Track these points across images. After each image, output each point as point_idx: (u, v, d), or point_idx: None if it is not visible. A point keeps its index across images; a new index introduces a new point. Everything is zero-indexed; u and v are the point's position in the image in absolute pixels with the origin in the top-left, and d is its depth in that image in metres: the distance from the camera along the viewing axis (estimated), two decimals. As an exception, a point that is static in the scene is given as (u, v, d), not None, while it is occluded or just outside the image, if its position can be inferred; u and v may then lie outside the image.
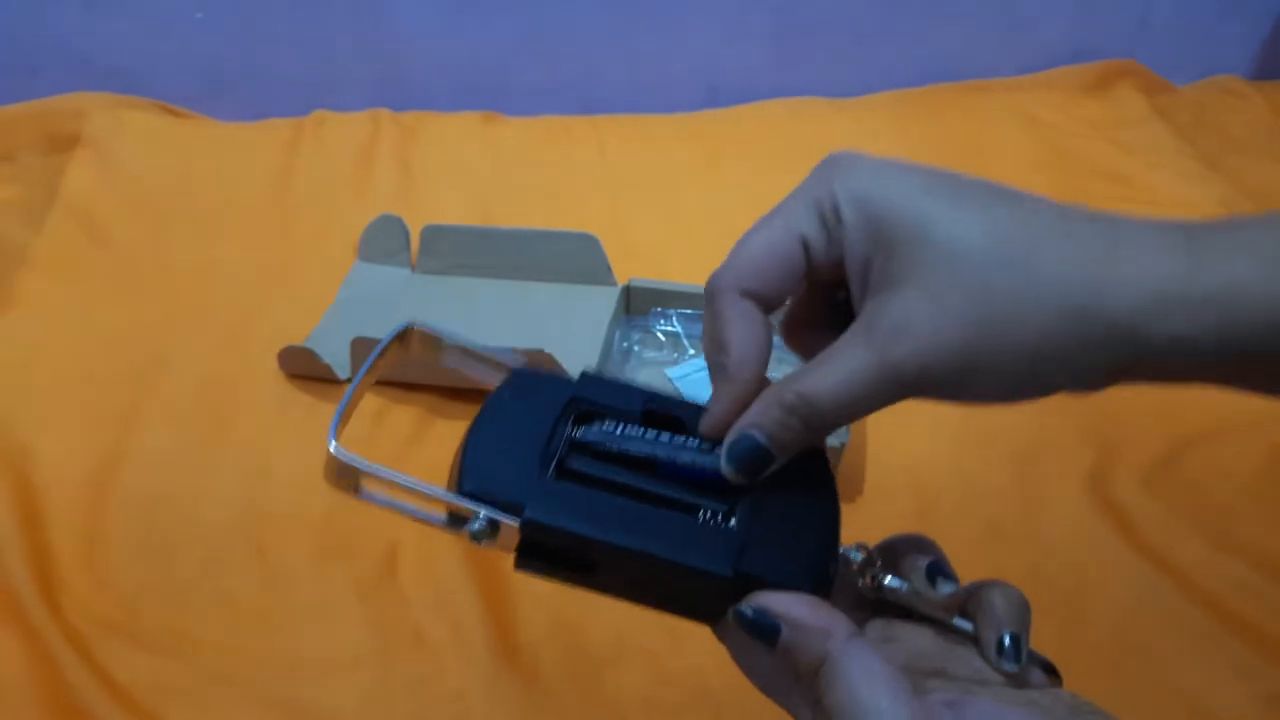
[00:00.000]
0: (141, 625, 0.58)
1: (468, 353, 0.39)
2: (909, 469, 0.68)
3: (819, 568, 0.33)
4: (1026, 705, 0.29)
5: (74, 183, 0.93)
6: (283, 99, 1.07)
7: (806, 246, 0.33)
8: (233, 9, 1.04)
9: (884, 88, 1.13)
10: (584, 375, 0.37)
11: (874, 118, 1.07)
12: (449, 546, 0.62)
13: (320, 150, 0.99)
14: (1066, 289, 0.28)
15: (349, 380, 0.73)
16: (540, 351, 0.64)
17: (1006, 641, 0.31)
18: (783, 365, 0.71)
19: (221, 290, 0.83)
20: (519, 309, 0.79)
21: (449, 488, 0.33)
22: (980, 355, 0.29)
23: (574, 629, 0.58)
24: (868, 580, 0.33)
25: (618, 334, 0.77)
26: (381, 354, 0.37)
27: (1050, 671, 0.32)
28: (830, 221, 0.32)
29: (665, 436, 0.35)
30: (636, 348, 0.77)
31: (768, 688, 0.33)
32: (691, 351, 0.75)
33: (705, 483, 0.34)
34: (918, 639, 0.33)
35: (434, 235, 0.83)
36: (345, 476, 0.33)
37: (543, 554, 0.33)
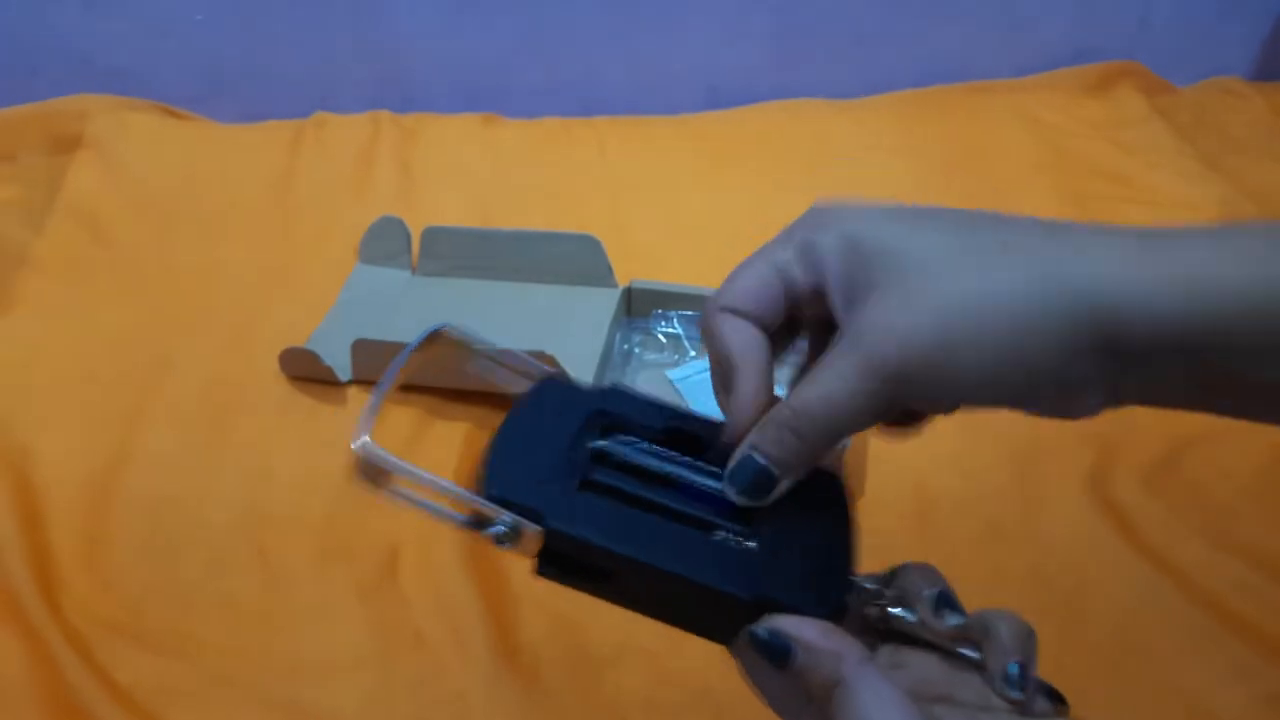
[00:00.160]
0: (143, 626, 0.59)
1: (496, 358, 0.39)
2: (909, 469, 0.68)
3: (833, 593, 0.33)
4: None
5: (75, 184, 0.93)
6: (283, 100, 1.07)
7: (784, 275, 0.34)
8: (233, 10, 1.04)
9: (885, 89, 1.13)
10: (612, 387, 0.38)
11: (874, 119, 1.07)
12: (449, 548, 0.62)
13: (321, 152, 0.99)
14: (1029, 263, 0.30)
15: (354, 381, 0.74)
16: (541, 353, 0.64)
17: (1012, 670, 0.32)
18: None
19: (223, 292, 0.83)
20: (520, 310, 0.79)
21: (474, 490, 0.34)
22: (957, 341, 0.30)
23: (574, 629, 0.58)
24: (875, 609, 0.34)
25: (618, 336, 0.77)
26: (411, 356, 0.38)
27: (1056, 699, 0.33)
28: (808, 256, 0.34)
29: (687, 457, 0.36)
30: (637, 349, 0.77)
31: (778, 707, 0.34)
32: (693, 353, 0.75)
33: (725, 503, 0.35)
34: (925, 665, 0.33)
35: (435, 237, 0.83)
36: (373, 475, 0.34)
37: (563, 562, 0.33)
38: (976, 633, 0.33)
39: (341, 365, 0.73)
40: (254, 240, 0.89)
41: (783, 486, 0.34)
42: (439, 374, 0.70)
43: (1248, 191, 0.95)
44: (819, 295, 0.34)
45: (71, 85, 1.05)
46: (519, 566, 0.62)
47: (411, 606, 0.60)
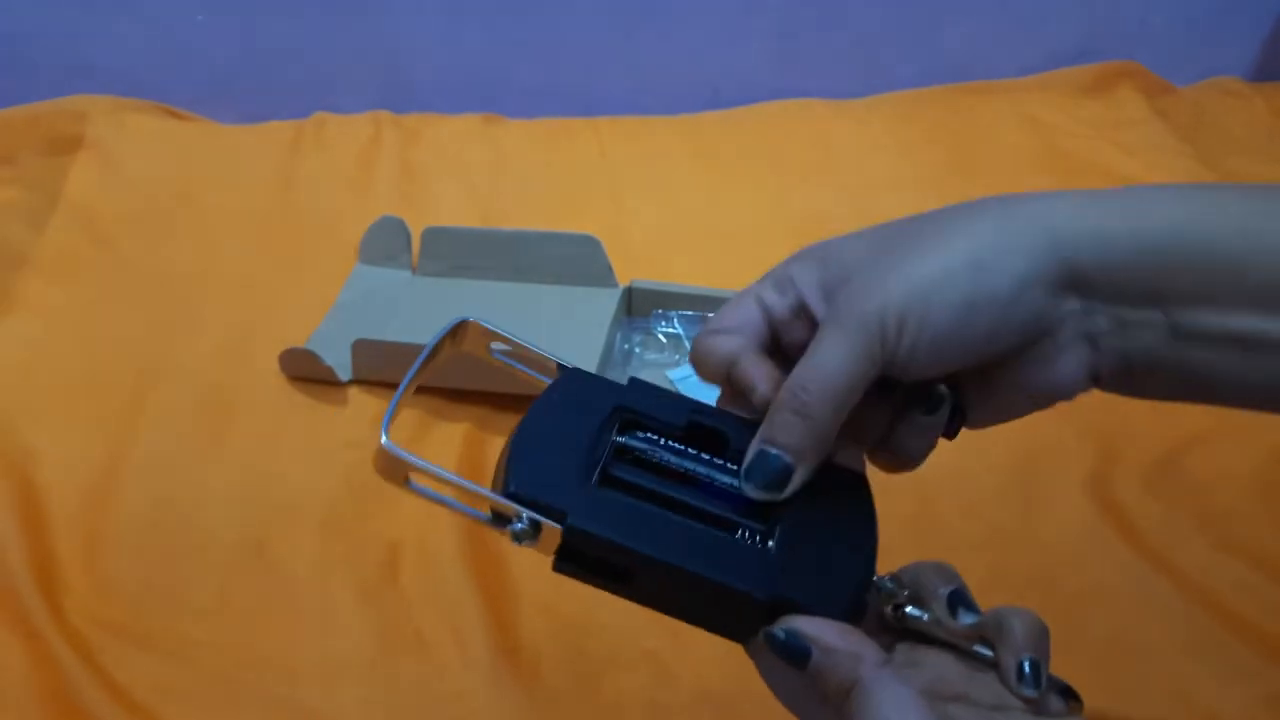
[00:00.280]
0: (143, 627, 0.59)
1: (519, 351, 0.39)
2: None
3: (852, 595, 0.33)
4: None
5: (76, 185, 0.93)
6: (284, 101, 1.07)
7: (762, 303, 0.37)
8: (233, 10, 1.04)
9: (885, 89, 1.13)
10: (632, 381, 0.37)
11: (875, 119, 1.07)
12: (450, 548, 0.62)
13: (321, 152, 0.99)
14: (987, 214, 0.33)
15: (354, 381, 0.74)
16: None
17: (1026, 668, 0.32)
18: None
19: (223, 292, 0.83)
20: (520, 311, 0.79)
21: (494, 486, 0.34)
22: (927, 286, 0.32)
23: (575, 630, 0.58)
24: (890, 608, 0.34)
25: (619, 336, 0.77)
26: (435, 350, 0.37)
27: (1070, 696, 0.33)
28: (782, 283, 0.36)
29: (708, 455, 0.36)
30: (638, 349, 0.77)
31: (794, 707, 0.34)
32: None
33: (745, 501, 0.35)
34: (940, 664, 0.33)
35: (435, 237, 0.83)
36: (394, 470, 0.33)
37: (581, 560, 0.33)
38: (990, 631, 0.33)
39: (342, 365, 0.73)
40: (254, 241, 0.89)
41: (799, 476, 0.34)
42: (439, 374, 0.70)
43: (1248, 192, 0.95)
44: (797, 316, 0.36)
45: (73, 87, 1.05)
46: (520, 567, 0.62)
47: (412, 606, 0.60)
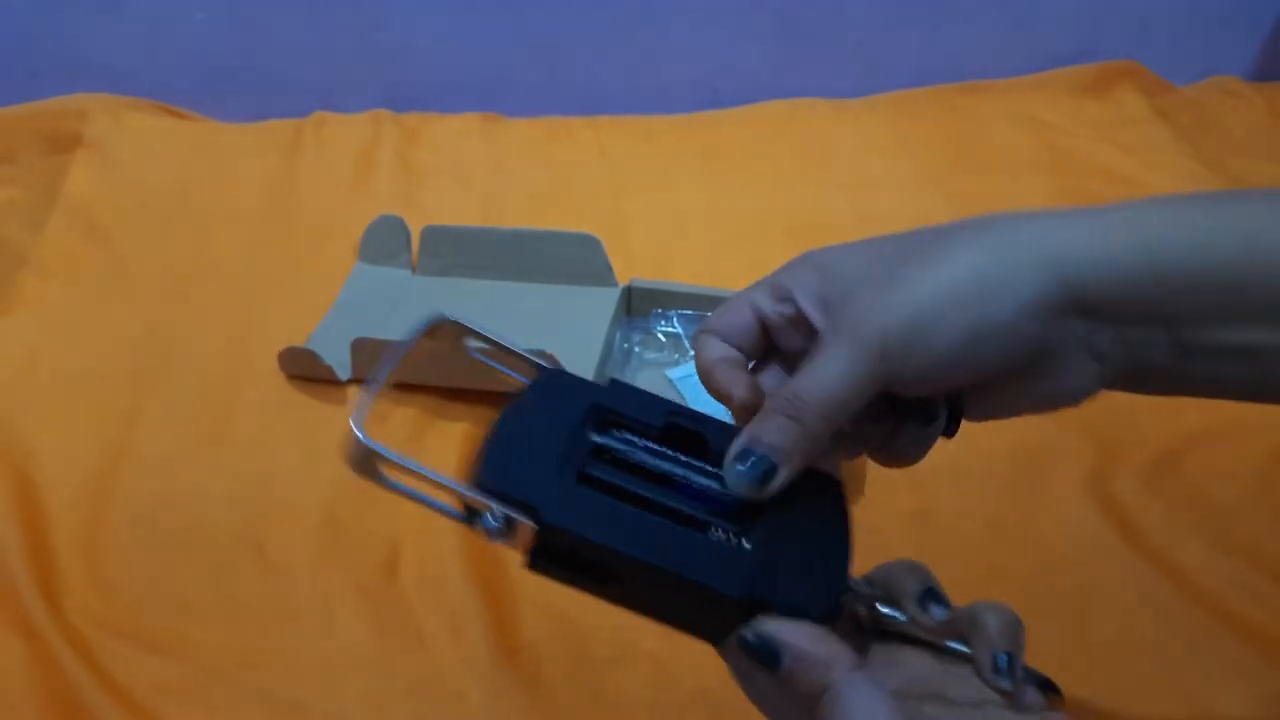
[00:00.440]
0: (143, 626, 0.59)
1: (497, 348, 0.39)
2: (909, 469, 0.68)
3: (827, 597, 0.33)
4: None
5: (75, 184, 0.93)
6: (283, 100, 1.07)
7: (756, 309, 0.37)
8: (233, 10, 1.04)
9: (885, 89, 1.13)
10: (613, 382, 0.37)
11: (874, 119, 1.07)
12: (450, 548, 0.62)
13: (321, 151, 0.99)
14: (994, 234, 0.32)
15: (354, 380, 0.73)
16: (542, 351, 0.64)
17: (1001, 661, 0.32)
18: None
19: (222, 291, 0.83)
20: (520, 310, 0.79)
21: (469, 481, 0.33)
22: (931, 308, 0.32)
23: (575, 630, 0.58)
24: (865, 608, 0.34)
25: (618, 335, 0.77)
26: (410, 347, 0.37)
27: (1049, 688, 0.33)
28: (778, 290, 0.36)
29: (685, 456, 0.36)
30: (637, 349, 0.77)
31: (767, 709, 0.34)
32: (692, 352, 0.75)
33: (721, 503, 0.35)
34: (916, 662, 0.33)
35: (435, 236, 0.83)
36: (367, 463, 0.33)
37: (556, 557, 0.33)
38: (965, 626, 0.33)
39: (341, 364, 0.73)
40: (254, 240, 0.89)
41: (781, 478, 0.34)
42: (439, 374, 0.70)
43: (1248, 192, 0.95)
44: (793, 324, 0.36)
45: (72, 85, 1.05)
46: (519, 567, 0.62)
47: (411, 606, 0.60)
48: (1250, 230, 0.31)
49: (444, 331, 0.39)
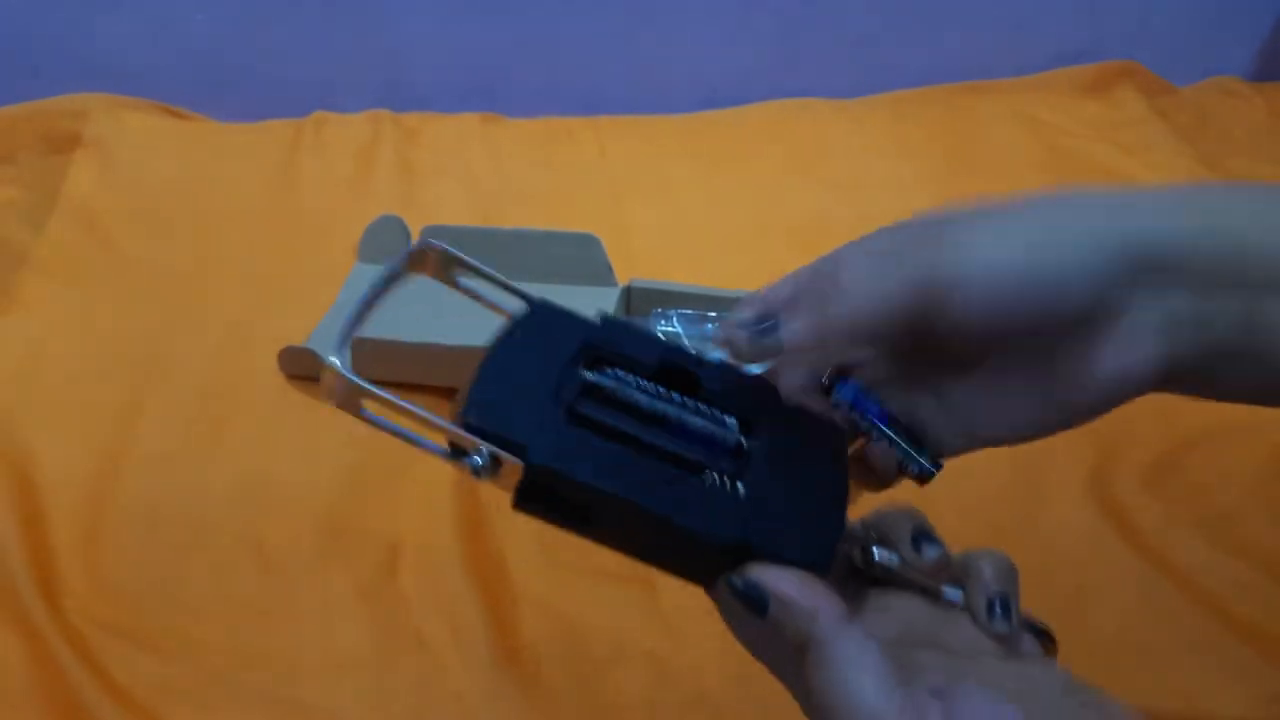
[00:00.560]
0: (142, 626, 0.59)
1: (485, 276, 0.37)
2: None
3: (820, 546, 0.32)
4: (1017, 683, 0.29)
5: (75, 184, 0.93)
6: (283, 100, 1.07)
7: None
8: (233, 9, 1.04)
9: (884, 89, 1.13)
10: (605, 318, 0.36)
11: (874, 119, 1.07)
12: (449, 548, 0.62)
13: (320, 151, 0.99)
14: (1058, 193, 0.32)
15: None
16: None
17: (996, 605, 0.32)
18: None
19: (222, 291, 0.83)
20: (519, 310, 0.79)
21: (454, 418, 0.32)
22: (987, 240, 0.31)
23: (574, 629, 0.58)
24: (859, 553, 0.34)
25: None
26: (395, 273, 0.36)
27: (1045, 636, 0.33)
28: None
29: (678, 396, 0.34)
30: (637, 348, 0.77)
31: (754, 651, 0.34)
32: (692, 353, 0.75)
33: (716, 444, 0.34)
34: (912, 610, 0.33)
35: (434, 236, 0.83)
36: (346, 396, 0.32)
37: (543, 497, 0.32)
38: (960, 572, 0.33)
39: (340, 365, 0.73)
40: (253, 240, 0.89)
41: (776, 343, 0.32)
42: (439, 374, 0.70)
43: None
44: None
45: (72, 85, 1.04)
46: (519, 567, 0.62)
47: (411, 606, 0.60)
48: None
49: (429, 260, 0.37)
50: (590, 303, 0.78)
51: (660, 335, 0.38)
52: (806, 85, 1.11)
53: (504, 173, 0.98)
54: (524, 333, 0.35)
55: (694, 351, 0.37)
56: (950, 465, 0.72)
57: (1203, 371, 0.32)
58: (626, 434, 0.33)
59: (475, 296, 0.38)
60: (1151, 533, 0.63)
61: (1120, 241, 0.31)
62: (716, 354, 0.37)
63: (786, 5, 1.10)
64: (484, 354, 0.34)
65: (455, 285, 0.38)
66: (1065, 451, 0.69)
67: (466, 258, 0.37)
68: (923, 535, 0.33)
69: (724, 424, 0.34)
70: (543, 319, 0.36)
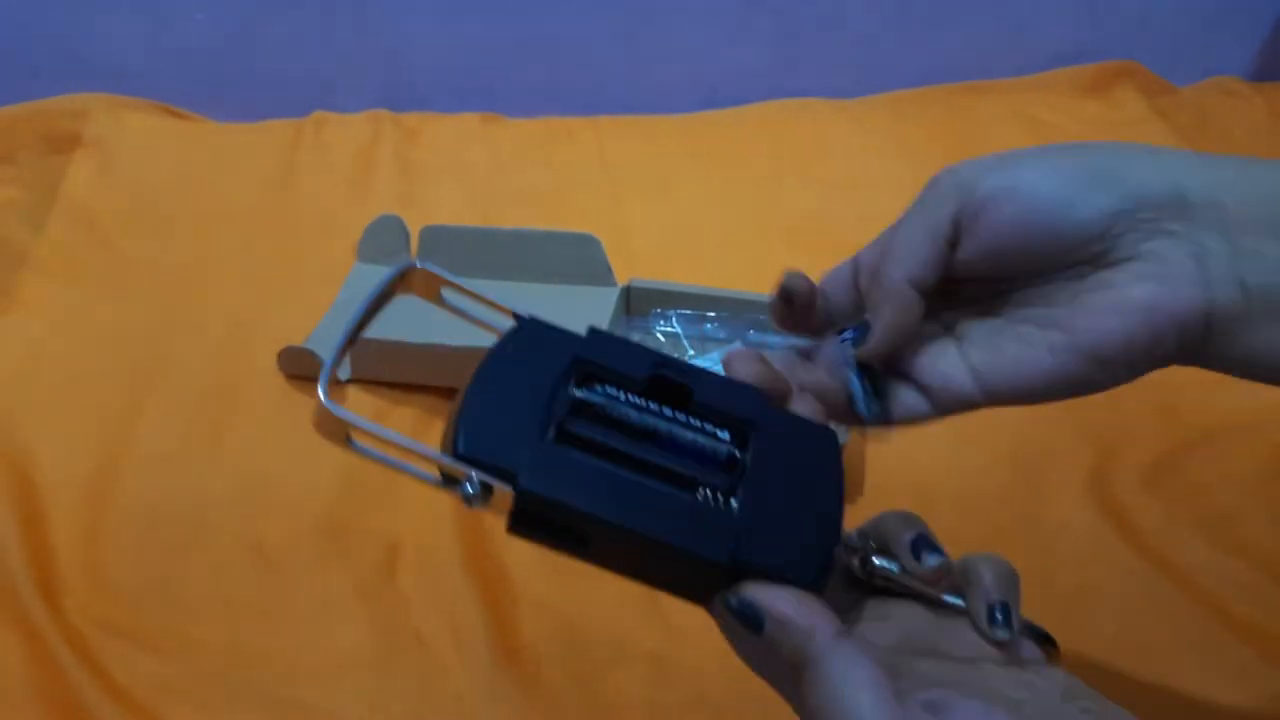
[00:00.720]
0: (142, 626, 0.59)
1: (471, 295, 0.37)
2: (909, 469, 0.68)
3: (814, 563, 0.32)
4: (1017, 690, 0.29)
5: (74, 183, 0.93)
6: (283, 100, 1.07)
7: (856, 261, 0.38)
8: (233, 9, 1.04)
9: (884, 89, 1.13)
10: (592, 332, 0.36)
11: (874, 118, 1.07)
12: (449, 548, 0.62)
13: (320, 151, 0.99)
14: (1091, 143, 0.34)
15: (353, 380, 0.73)
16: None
17: (997, 611, 0.31)
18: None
19: (222, 291, 0.83)
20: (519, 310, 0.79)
21: (444, 445, 0.32)
22: (1017, 166, 0.34)
23: (574, 630, 0.58)
24: (858, 562, 0.34)
25: (617, 334, 0.77)
26: (381, 294, 0.36)
27: (1045, 640, 0.32)
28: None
29: (669, 410, 0.34)
30: (637, 348, 0.77)
31: (755, 666, 0.34)
32: (691, 353, 0.75)
33: (708, 458, 0.33)
34: (911, 618, 0.33)
35: (434, 236, 0.83)
36: (335, 428, 0.32)
37: (536, 522, 0.32)
38: (960, 578, 0.33)
39: (340, 364, 0.73)
40: (253, 240, 0.89)
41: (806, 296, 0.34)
42: (439, 374, 0.70)
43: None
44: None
45: (71, 85, 1.04)
46: (519, 567, 0.62)
47: (411, 606, 0.60)
48: None
49: (415, 280, 0.38)
50: (590, 303, 0.78)
51: (660, 336, 0.38)
52: (806, 85, 1.11)
53: (504, 173, 0.98)
54: (513, 350, 0.35)
55: (690, 353, 0.36)
56: (950, 465, 0.72)
57: (1241, 321, 0.32)
58: (618, 452, 0.33)
59: (463, 315, 0.38)
60: (1151, 533, 0.63)
61: (1143, 177, 0.32)
62: (707, 360, 0.37)
63: (786, 5, 1.10)
64: (472, 375, 0.34)
65: (442, 304, 0.38)
66: (1065, 451, 0.69)
67: (453, 277, 0.37)
68: (923, 543, 0.33)
69: (716, 437, 0.34)
70: (531, 335, 0.36)
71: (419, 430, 0.70)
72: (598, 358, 0.35)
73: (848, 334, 0.36)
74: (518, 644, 0.58)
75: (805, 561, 0.32)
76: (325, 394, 0.32)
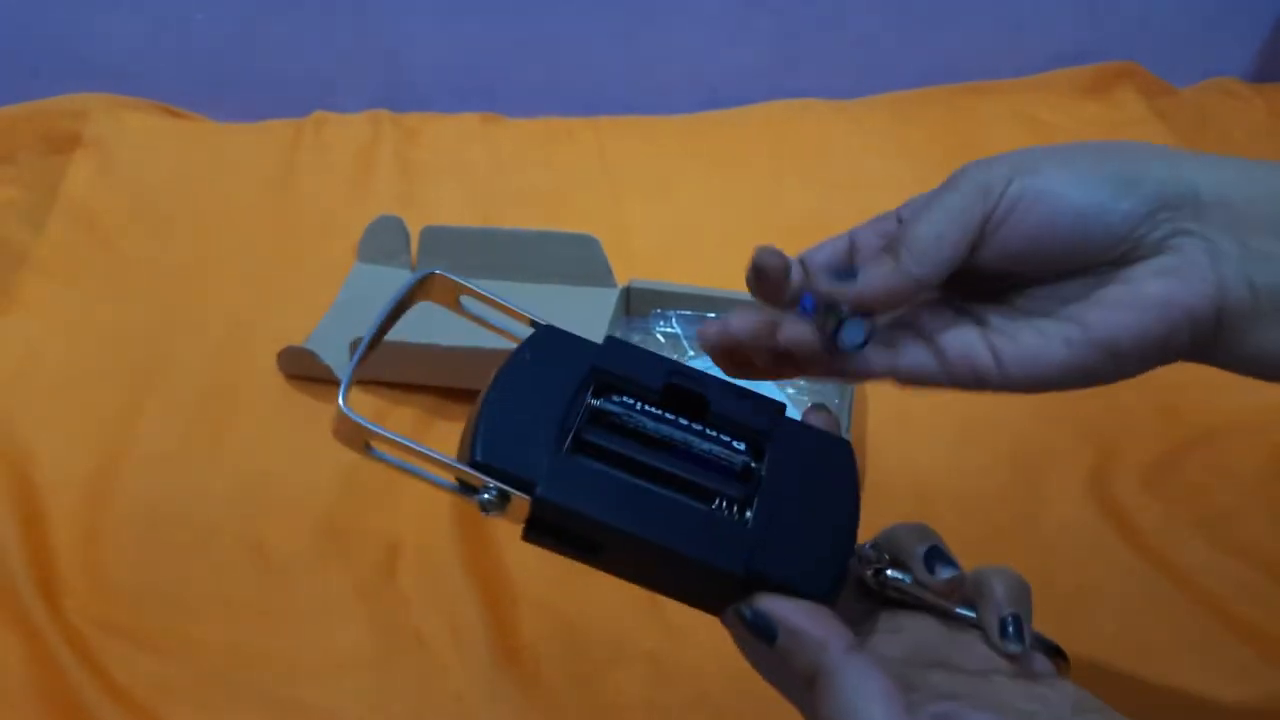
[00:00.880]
0: (142, 626, 0.59)
1: (490, 302, 0.37)
2: (909, 469, 0.68)
3: (828, 576, 0.32)
4: (1028, 702, 0.29)
5: (74, 183, 0.93)
6: (283, 100, 1.07)
7: (853, 235, 0.38)
8: (233, 9, 1.04)
9: (884, 89, 1.13)
10: (609, 341, 0.36)
11: (874, 119, 1.07)
12: (449, 548, 0.62)
13: (320, 151, 0.99)
14: (1107, 142, 0.35)
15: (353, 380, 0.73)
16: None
17: (1009, 624, 0.31)
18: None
19: (221, 291, 0.83)
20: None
21: (461, 453, 0.33)
22: (1041, 158, 0.34)
23: (574, 630, 0.58)
24: (871, 574, 0.34)
25: (617, 335, 0.77)
26: (401, 304, 0.36)
27: (1056, 653, 0.33)
28: (886, 219, 0.38)
29: (685, 420, 0.34)
30: (637, 348, 0.77)
31: (768, 676, 0.34)
32: (691, 353, 0.75)
33: (723, 468, 0.34)
34: (923, 630, 0.33)
35: (434, 236, 0.83)
36: (353, 436, 0.32)
37: (552, 530, 0.32)
38: (972, 590, 0.33)
39: (340, 364, 0.73)
40: (253, 240, 0.89)
41: (847, 294, 0.33)
42: (439, 374, 0.70)
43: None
44: (884, 239, 0.37)
45: (71, 85, 1.04)
46: (519, 567, 0.62)
47: (411, 606, 0.60)
48: None
49: (435, 287, 0.38)
50: (590, 303, 0.78)
51: (659, 336, 0.38)
52: (806, 85, 1.11)
53: (504, 173, 0.98)
54: (530, 358, 0.35)
55: (690, 354, 0.36)
56: (950, 465, 0.72)
57: (1249, 319, 0.32)
58: (634, 462, 0.33)
59: (481, 321, 0.38)
60: (1151, 533, 0.63)
61: (1162, 176, 0.32)
62: (708, 361, 0.36)
63: (786, 5, 1.10)
64: (490, 383, 0.34)
65: (461, 310, 0.39)
66: (1065, 451, 0.69)
67: (473, 285, 0.37)
68: (936, 555, 0.33)
69: (732, 448, 0.34)
70: (549, 343, 0.36)
71: (419, 430, 0.70)
72: (615, 367, 0.35)
73: (807, 301, 0.35)
74: (518, 644, 0.58)
75: (819, 574, 0.32)
76: (345, 401, 0.32)
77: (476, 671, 0.56)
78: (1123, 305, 0.33)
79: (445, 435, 0.69)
